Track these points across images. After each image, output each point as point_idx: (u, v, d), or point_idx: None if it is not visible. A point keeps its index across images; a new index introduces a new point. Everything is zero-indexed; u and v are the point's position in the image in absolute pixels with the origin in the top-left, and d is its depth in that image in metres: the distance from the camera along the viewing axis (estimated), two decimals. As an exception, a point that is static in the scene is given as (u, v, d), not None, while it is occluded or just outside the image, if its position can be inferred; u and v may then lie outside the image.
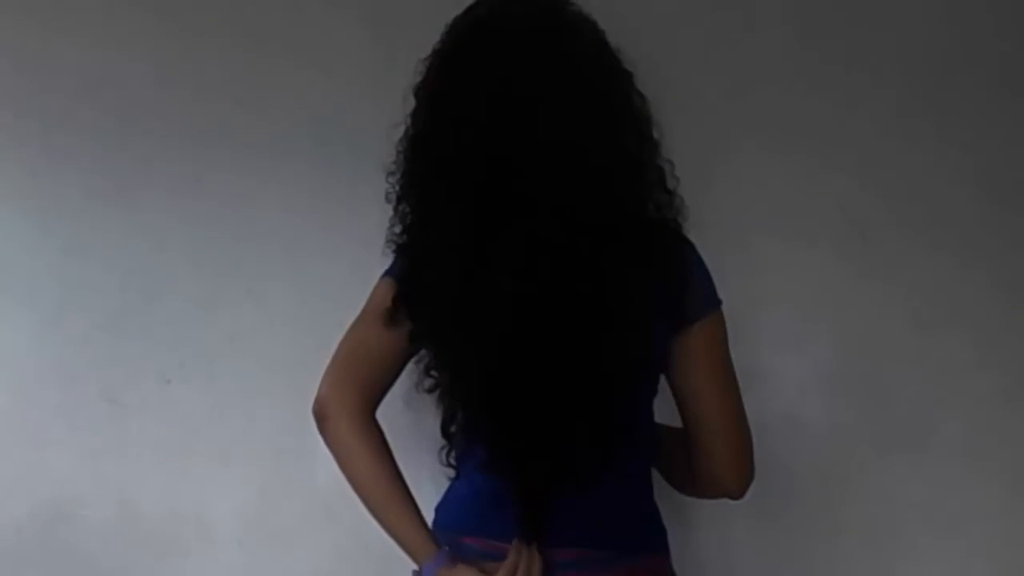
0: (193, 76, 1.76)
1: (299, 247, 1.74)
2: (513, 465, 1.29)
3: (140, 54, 1.77)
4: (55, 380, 1.80)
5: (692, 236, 1.35)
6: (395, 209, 1.36)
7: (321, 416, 1.37)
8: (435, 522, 1.39)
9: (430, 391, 1.36)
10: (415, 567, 1.35)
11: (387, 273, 1.39)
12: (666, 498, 1.40)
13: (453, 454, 1.37)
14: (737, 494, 1.39)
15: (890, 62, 1.62)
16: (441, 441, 1.36)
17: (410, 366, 1.38)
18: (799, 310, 1.65)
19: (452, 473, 1.39)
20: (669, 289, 1.31)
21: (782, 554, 1.67)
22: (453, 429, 1.35)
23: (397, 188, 1.35)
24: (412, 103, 1.33)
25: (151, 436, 1.78)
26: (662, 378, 1.38)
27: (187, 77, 1.76)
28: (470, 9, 1.34)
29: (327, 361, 1.73)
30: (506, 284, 1.24)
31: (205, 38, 1.75)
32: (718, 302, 1.37)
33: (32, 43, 1.78)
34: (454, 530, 1.36)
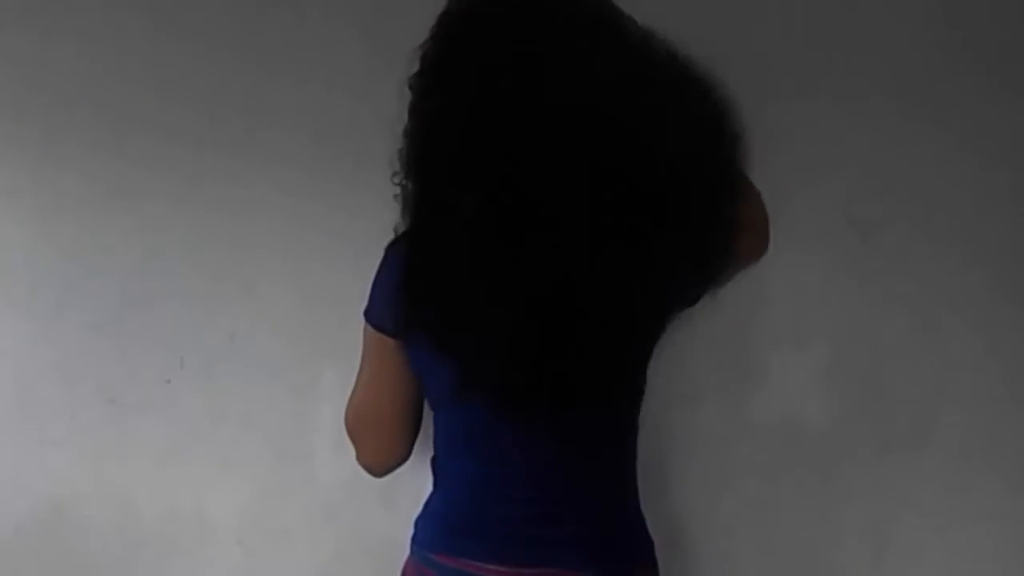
0: (193, 80, 1.76)
1: (299, 247, 1.74)
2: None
3: (140, 59, 1.76)
4: (55, 380, 1.80)
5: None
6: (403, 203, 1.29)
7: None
8: (413, 537, 1.38)
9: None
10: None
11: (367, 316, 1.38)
12: (653, 502, 1.40)
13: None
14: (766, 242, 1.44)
15: (890, 61, 1.62)
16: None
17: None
18: (799, 310, 1.65)
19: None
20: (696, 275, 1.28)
21: (781, 554, 1.67)
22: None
23: (403, 182, 1.29)
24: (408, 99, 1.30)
25: (151, 436, 1.79)
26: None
27: (187, 81, 1.75)
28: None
29: (326, 362, 1.74)
30: (535, 269, 1.19)
31: (205, 43, 1.75)
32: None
33: (32, 48, 1.78)
34: (428, 548, 1.34)
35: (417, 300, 1.27)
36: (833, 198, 1.64)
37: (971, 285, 1.62)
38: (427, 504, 1.39)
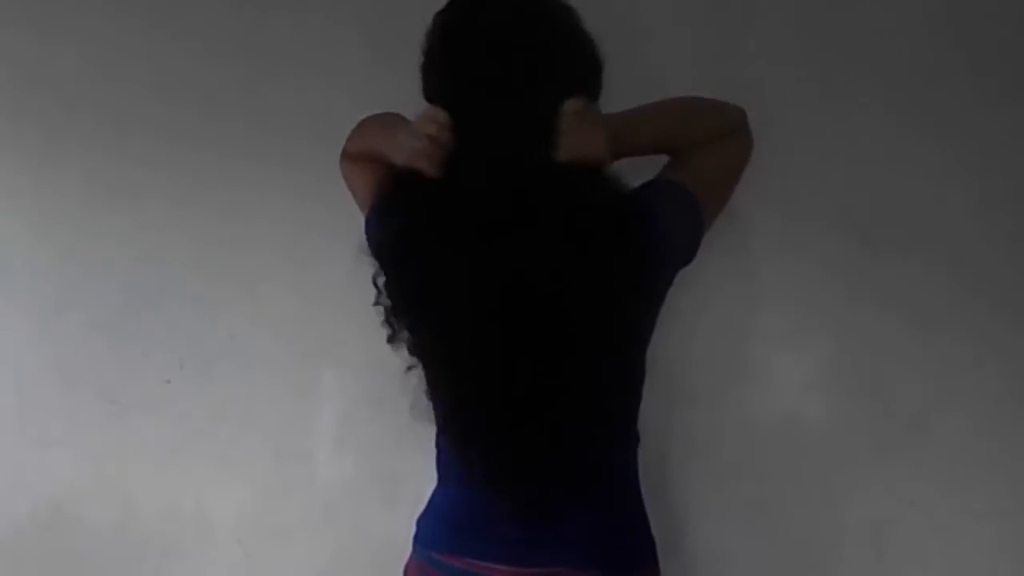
0: (193, 80, 1.76)
1: (299, 248, 1.74)
2: (509, 466, 1.26)
3: (140, 59, 1.77)
4: (55, 380, 1.81)
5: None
6: None
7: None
8: (416, 536, 1.38)
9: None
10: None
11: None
12: (653, 501, 1.40)
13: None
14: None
15: (890, 64, 1.62)
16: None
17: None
18: (799, 310, 1.65)
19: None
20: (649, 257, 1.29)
21: (781, 554, 1.67)
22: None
23: None
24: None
25: (151, 436, 1.79)
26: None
27: (187, 81, 1.76)
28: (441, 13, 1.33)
29: (326, 362, 1.74)
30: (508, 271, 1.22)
31: (205, 45, 1.76)
32: (700, 229, 1.36)
33: (32, 48, 1.79)
34: (431, 547, 1.34)
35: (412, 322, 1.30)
36: (833, 199, 1.64)
37: (970, 285, 1.62)
38: (430, 503, 1.39)
